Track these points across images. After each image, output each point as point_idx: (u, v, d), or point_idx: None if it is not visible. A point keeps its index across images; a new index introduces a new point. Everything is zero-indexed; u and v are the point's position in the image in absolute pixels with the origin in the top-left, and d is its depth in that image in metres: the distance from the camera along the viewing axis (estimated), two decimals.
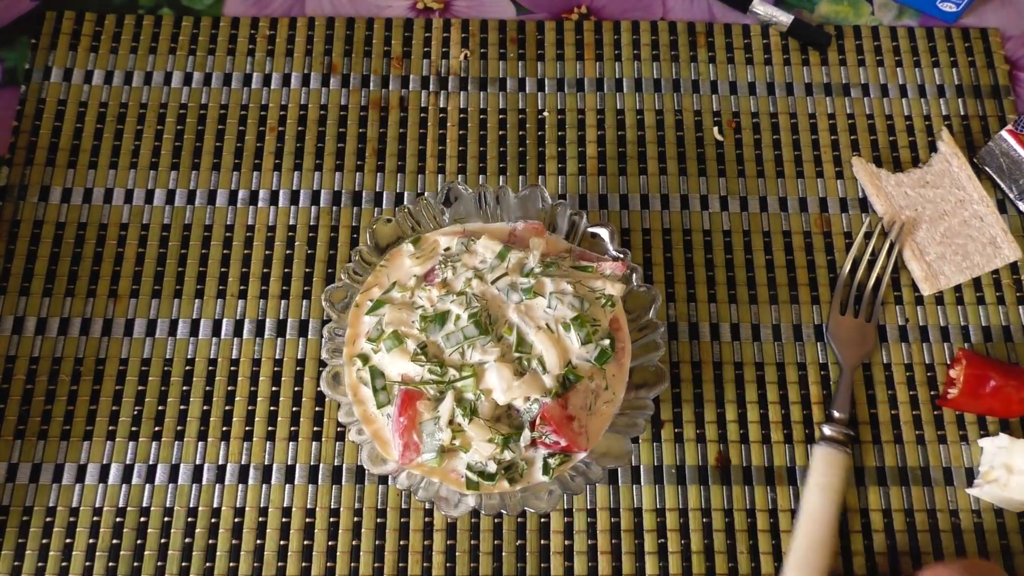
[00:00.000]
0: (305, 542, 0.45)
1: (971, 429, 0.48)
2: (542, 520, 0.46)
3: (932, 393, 0.49)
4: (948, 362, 0.50)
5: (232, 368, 0.49)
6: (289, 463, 0.47)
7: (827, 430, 0.46)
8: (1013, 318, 0.51)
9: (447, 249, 0.42)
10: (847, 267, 0.51)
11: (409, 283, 0.41)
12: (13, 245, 0.51)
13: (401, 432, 0.37)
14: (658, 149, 0.54)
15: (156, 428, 0.47)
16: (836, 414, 0.47)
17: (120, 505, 0.46)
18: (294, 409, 0.48)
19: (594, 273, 0.41)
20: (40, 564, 0.44)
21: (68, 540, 0.45)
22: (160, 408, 0.48)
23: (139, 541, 0.45)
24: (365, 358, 0.39)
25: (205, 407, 0.48)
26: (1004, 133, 0.51)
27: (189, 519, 0.45)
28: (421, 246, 0.42)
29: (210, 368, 0.49)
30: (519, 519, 0.46)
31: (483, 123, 0.55)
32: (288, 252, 0.51)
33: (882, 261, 0.51)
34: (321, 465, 0.47)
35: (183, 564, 0.45)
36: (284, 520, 0.46)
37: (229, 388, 0.48)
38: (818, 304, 0.51)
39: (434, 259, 0.41)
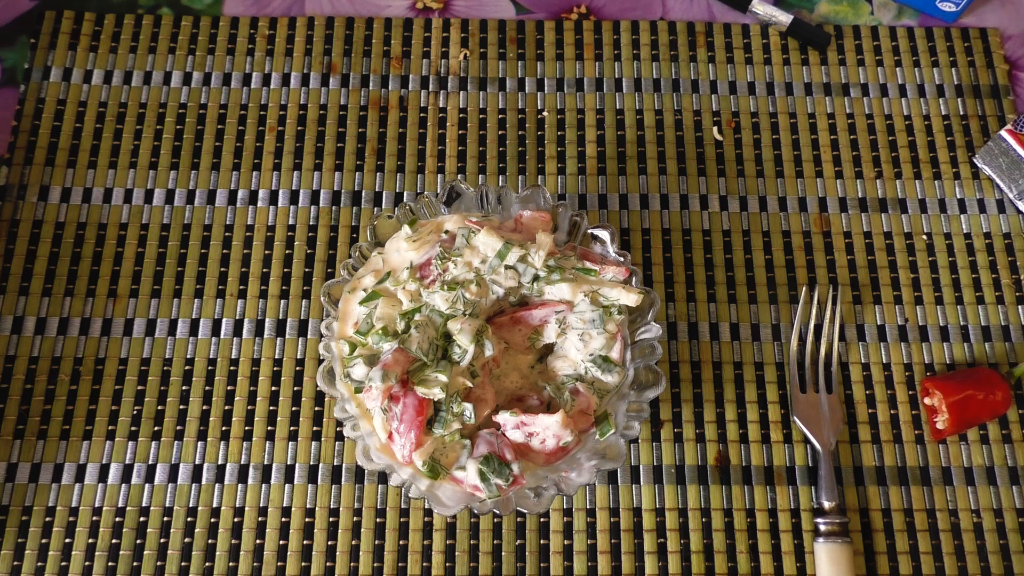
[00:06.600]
0: (305, 542, 0.45)
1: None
2: (541, 520, 0.46)
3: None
4: (947, 361, 0.50)
5: (231, 368, 0.49)
6: (288, 463, 0.47)
7: (823, 526, 0.44)
8: (1012, 318, 0.51)
9: (446, 232, 0.40)
10: (794, 343, 0.48)
11: (402, 276, 0.40)
12: (12, 245, 0.51)
13: (409, 426, 0.37)
14: (657, 149, 0.54)
15: (155, 428, 0.47)
16: (826, 504, 0.44)
17: (119, 505, 0.46)
18: (293, 409, 0.48)
19: (597, 277, 0.40)
20: (40, 564, 0.44)
21: (67, 540, 0.45)
22: (159, 408, 0.48)
23: (138, 541, 0.45)
24: (354, 346, 0.39)
25: (204, 407, 0.48)
26: (1003, 133, 0.51)
27: (188, 519, 0.45)
28: (418, 229, 0.41)
29: (209, 368, 0.49)
30: (518, 519, 0.46)
31: (482, 123, 0.55)
32: (288, 252, 0.51)
33: (827, 330, 0.49)
34: (320, 465, 0.47)
35: (183, 564, 0.45)
36: (284, 520, 0.46)
37: (228, 388, 0.48)
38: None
39: (432, 247, 0.40)
